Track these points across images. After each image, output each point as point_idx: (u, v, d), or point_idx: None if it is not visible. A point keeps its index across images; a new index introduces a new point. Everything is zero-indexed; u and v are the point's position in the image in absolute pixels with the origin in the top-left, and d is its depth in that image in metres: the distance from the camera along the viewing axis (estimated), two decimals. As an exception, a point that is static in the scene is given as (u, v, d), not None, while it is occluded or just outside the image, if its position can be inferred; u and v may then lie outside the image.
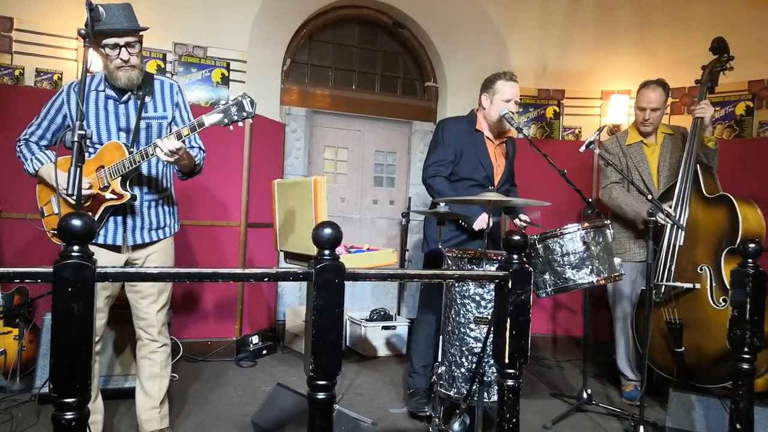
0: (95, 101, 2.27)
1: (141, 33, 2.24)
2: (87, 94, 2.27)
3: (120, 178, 2.16)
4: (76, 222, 1.02)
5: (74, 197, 1.76)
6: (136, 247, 2.31)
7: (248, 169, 4.06)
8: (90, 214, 2.17)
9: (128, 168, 2.14)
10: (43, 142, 2.33)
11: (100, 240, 2.23)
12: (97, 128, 2.25)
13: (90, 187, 2.15)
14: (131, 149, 2.18)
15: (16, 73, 3.54)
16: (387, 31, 5.04)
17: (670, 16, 4.41)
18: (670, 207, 3.06)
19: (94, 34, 2.12)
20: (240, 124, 2.11)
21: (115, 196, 2.18)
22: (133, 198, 2.21)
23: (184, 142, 2.14)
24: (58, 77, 3.61)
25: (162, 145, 2.06)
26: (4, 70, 3.51)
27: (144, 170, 2.30)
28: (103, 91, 2.27)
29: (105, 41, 2.17)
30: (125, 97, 2.28)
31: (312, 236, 1.21)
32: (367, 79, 5.03)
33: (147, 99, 2.30)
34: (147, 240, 2.31)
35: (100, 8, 1.88)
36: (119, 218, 2.25)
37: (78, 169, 1.75)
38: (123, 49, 2.17)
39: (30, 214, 2.31)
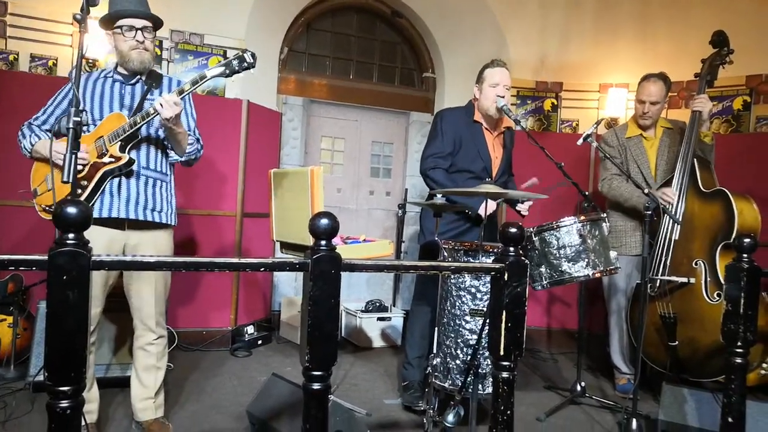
0: (102, 85, 2.30)
1: (155, 22, 2.30)
2: (95, 80, 2.30)
3: (119, 143, 2.16)
4: (72, 209, 1.01)
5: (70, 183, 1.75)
6: (131, 225, 2.28)
7: (244, 159, 4.05)
8: (86, 182, 2.16)
9: (127, 131, 2.14)
10: (45, 126, 2.33)
11: (95, 214, 2.19)
12: (100, 108, 2.26)
13: (86, 155, 2.14)
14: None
15: (11, 58, 3.50)
16: (385, 20, 5.01)
17: (670, 10, 4.40)
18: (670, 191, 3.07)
19: (110, 17, 2.22)
20: (242, 75, 2.17)
21: (112, 159, 2.16)
22: (131, 162, 2.20)
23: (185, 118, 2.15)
24: (53, 63, 3.58)
25: (163, 96, 2.09)
26: (-1, 56, 3.48)
27: (144, 146, 2.29)
28: (111, 76, 2.31)
29: (121, 22, 2.22)
30: (133, 80, 2.31)
31: (309, 226, 1.20)
32: (365, 69, 5.01)
33: (154, 86, 2.33)
34: (141, 217, 2.27)
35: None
36: (115, 187, 2.22)
37: (73, 156, 1.73)
38: (139, 31, 2.23)
39: (24, 197, 2.30)
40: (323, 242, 1.20)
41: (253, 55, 2.14)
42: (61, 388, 1.02)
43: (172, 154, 2.39)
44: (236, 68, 2.13)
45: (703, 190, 3.06)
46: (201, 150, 2.46)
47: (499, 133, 3.07)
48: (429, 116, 4.96)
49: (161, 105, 2.08)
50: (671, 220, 3.04)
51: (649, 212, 2.68)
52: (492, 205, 2.81)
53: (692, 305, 2.97)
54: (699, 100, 3.14)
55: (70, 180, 1.75)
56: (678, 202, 3.06)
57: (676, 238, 3.05)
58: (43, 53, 3.57)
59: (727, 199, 2.94)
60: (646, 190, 2.79)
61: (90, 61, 3.59)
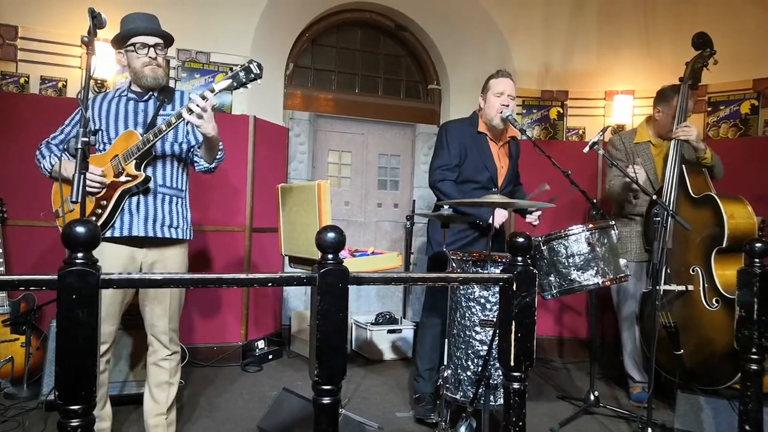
0: (116, 104, 2.33)
1: (167, 39, 2.36)
2: (109, 100, 2.34)
3: (134, 161, 2.18)
4: (80, 228, 1.02)
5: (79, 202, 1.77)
6: (149, 242, 2.30)
7: (252, 174, 4.07)
8: (105, 202, 2.18)
9: (141, 149, 2.16)
10: (63, 145, 2.36)
11: (117, 233, 2.22)
12: (116, 126, 2.29)
13: (103, 175, 2.17)
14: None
15: (21, 81, 3.56)
16: (389, 34, 5.05)
17: (674, 16, 4.40)
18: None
19: (122, 36, 2.26)
20: (249, 86, 2.17)
21: (129, 178, 2.18)
22: (148, 179, 2.21)
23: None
24: (62, 84, 3.63)
25: (191, 100, 2.10)
26: (9, 78, 3.54)
27: (160, 164, 2.31)
28: (125, 95, 2.35)
29: (134, 39, 2.27)
30: (146, 97, 2.35)
31: (315, 240, 1.21)
32: (370, 83, 5.04)
33: (166, 101, 2.35)
34: (159, 234, 2.29)
35: (103, 15, 1.91)
36: (134, 206, 2.24)
37: (82, 176, 1.76)
38: (151, 48, 2.28)
39: (47, 219, 2.34)
40: (330, 256, 1.20)
41: (259, 66, 2.14)
42: (72, 407, 1.02)
43: (200, 162, 2.38)
44: (243, 80, 2.14)
45: (694, 196, 3.02)
46: (223, 157, 2.47)
47: (504, 143, 3.08)
48: (435, 128, 4.97)
49: (190, 111, 2.09)
50: (664, 229, 2.99)
51: (658, 218, 2.67)
52: (503, 214, 2.81)
53: (692, 313, 2.93)
54: (682, 129, 3.04)
55: (79, 199, 1.77)
56: (671, 208, 3.02)
57: (670, 246, 3.01)
58: (53, 75, 3.63)
59: (716, 204, 2.90)
60: (654, 197, 2.77)
61: (99, 81, 3.64)
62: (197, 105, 2.08)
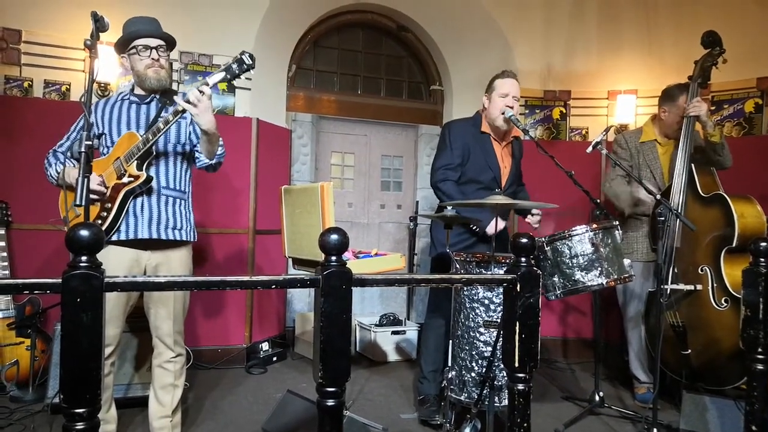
0: (119, 108, 2.35)
1: (169, 41, 2.37)
2: (112, 104, 2.36)
3: (136, 162, 2.19)
4: (84, 232, 1.02)
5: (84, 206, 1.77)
6: (153, 244, 2.30)
7: (255, 176, 4.08)
8: (109, 205, 2.19)
9: (141, 149, 2.17)
10: (69, 152, 2.37)
11: (122, 236, 2.23)
12: (118, 129, 2.30)
13: (102, 183, 2.18)
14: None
15: (25, 84, 3.57)
16: (391, 35, 5.05)
17: (675, 15, 4.39)
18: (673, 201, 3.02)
19: (124, 39, 2.28)
20: (242, 77, 2.18)
21: (132, 179, 2.19)
22: (149, 179, 2.22)
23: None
24: (66, 88, 3.64)
25: (189, 93, 2.11)
26: (13, 82, 3.55)
27: (162, 165, 2.32)
28: (127, 98, 2.37)
29: (136, 42, 2.28)
30: (147, 100, 2.36)
31: (318, 242, 1.21)
32: (373, 84, 5.04)
33: (168, 103, 2.36)
34: (164, 237, 2.29)
35: (105, 19, 1.92)
36: (138, 208, 2.25)
37: (85, 180, 1.76)
38: (154, 50, 2.29)
39: (55, 225, 2.35)
40: (333, 258, 1.20)
41: (251, 56, 2.15)
42: (77, 410, 1.02)
43: (201, 158, 2.38)
44: (236, 71, 2.14)
45: (703, 195, 3.01)
46: (224, 153, 2.48)
47: (507, 143, 3.07)
48: (438, 128, 4.96)
49: (190, 102, 2.10)
50: (670, 229, 2.98)
51: (663, 218, 2.66)
52: (501, 224, 2.80)
53: (700, 312, 2.92)
54: (693, 104, 3.08)
55: (83, 203, 1.77)
56: (679, 210, 3.01)
57: (678, 245, 3.00)
58: (57, 79, 3.64)
59: (726, 203, 2.89)
60: (658, 196, 2.77)
61: (102, 84, 3.65)
62: (192, 95, 2.10)
